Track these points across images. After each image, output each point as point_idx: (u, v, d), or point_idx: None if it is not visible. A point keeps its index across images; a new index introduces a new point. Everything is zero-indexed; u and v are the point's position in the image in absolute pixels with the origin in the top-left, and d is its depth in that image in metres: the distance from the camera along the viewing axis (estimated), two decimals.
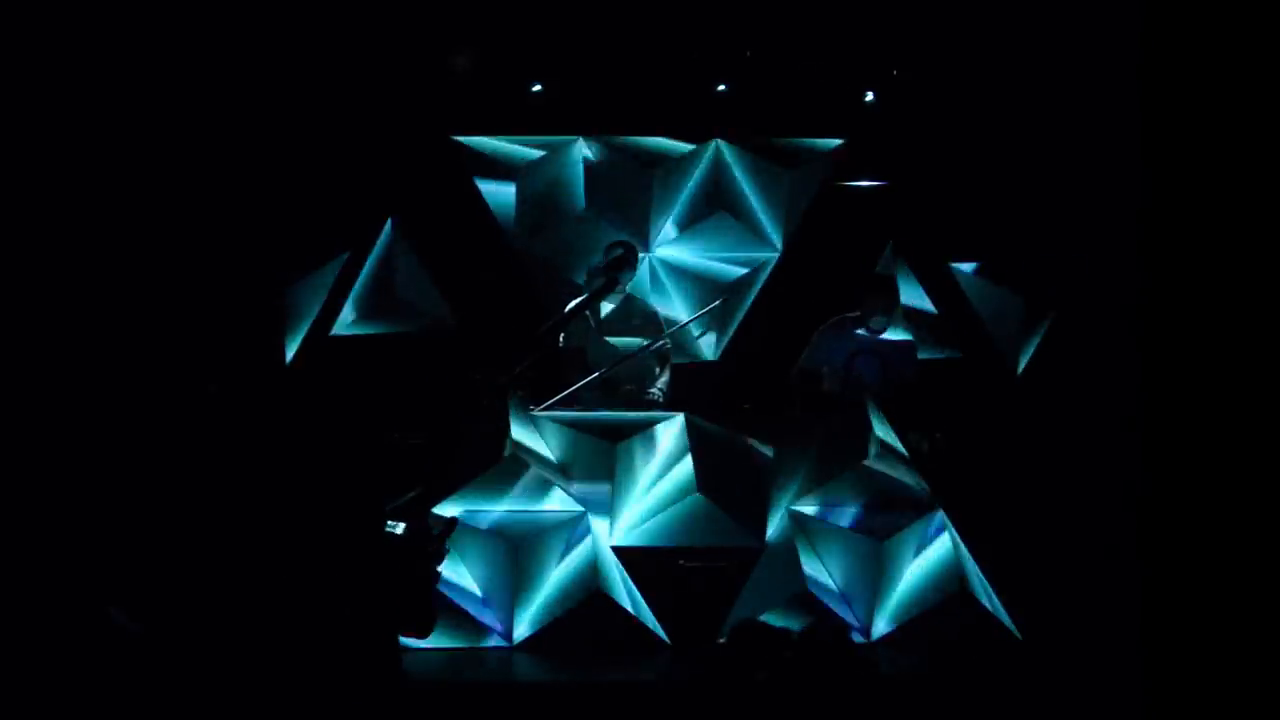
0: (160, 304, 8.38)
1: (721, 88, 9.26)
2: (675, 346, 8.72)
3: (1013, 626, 7.43)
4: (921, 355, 8.85)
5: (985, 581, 7.53)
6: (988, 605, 7.47)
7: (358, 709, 6.22)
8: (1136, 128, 8.00)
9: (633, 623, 7.35)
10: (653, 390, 8.19)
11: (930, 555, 7.60)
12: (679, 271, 9.30)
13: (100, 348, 8.08)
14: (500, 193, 9.22)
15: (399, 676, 6.03)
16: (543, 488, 7.51)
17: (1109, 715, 6.28)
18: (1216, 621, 7.00)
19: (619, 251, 8.40)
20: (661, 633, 7.38)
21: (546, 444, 7.69)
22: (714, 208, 9.23)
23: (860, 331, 8.36)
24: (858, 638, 7.37)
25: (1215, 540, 7.36)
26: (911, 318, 9.23)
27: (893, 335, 8.46)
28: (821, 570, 7.61)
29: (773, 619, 7.09)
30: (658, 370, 8.31)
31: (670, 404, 8.05)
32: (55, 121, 8.01)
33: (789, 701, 6.41)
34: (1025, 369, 9.13)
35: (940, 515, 7.59)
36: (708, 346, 9.15)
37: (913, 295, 9.32)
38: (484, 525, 7.42)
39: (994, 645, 7.36)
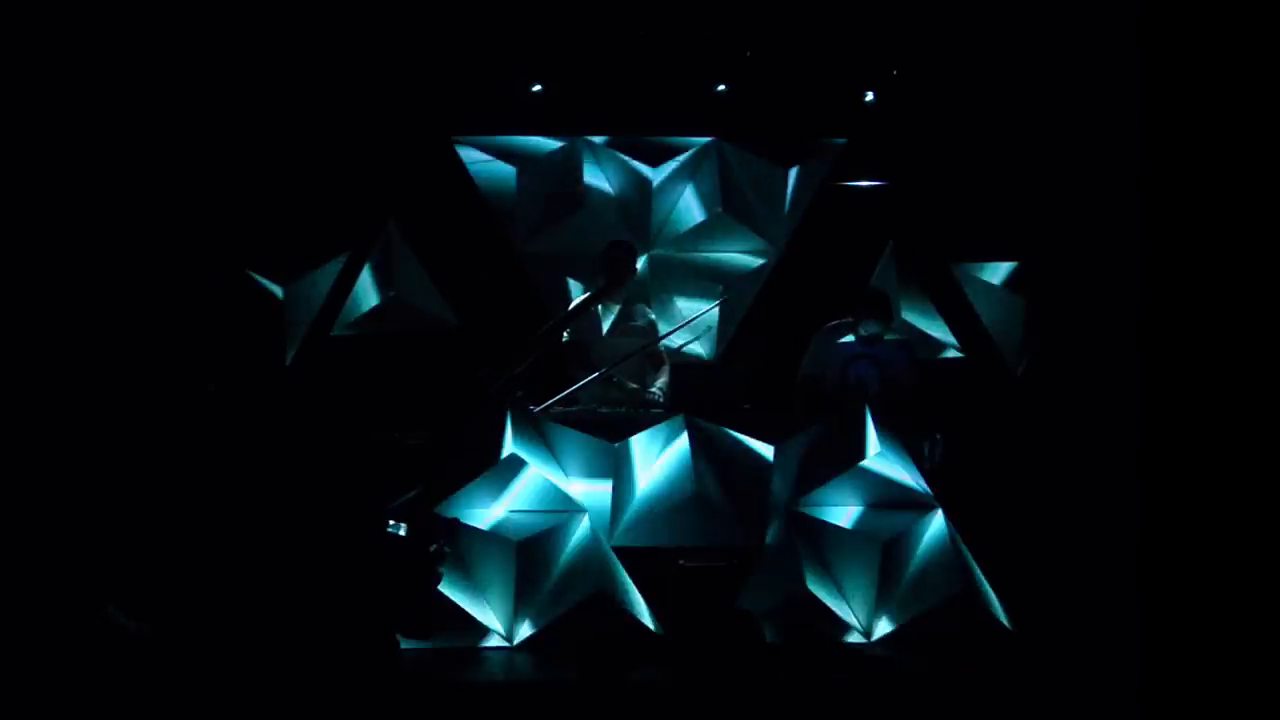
0: (160, 303, 8.38)
1: (722, 87, 9.26)
2: (673, 347, 8.75)
3: (1009, 624, 7.44)
4: (921, 356, 8.84)
5: (985, 581, 7.54)
6: (988, 605, 7.48)
7: (356, 708, 6.22)
8: (1137, 127, 8.00)
9: (633, 622, 7.35)
10: (653, 390, 8.19)
11: (930, 555, 7.60)
12: (679, 271, 9.30)
13: (100, 347, 8.09)
14: (500, 192, 9.22)
15: (397, 676, 6.02)
16: (543, 487, 7.51)
17: (1108, 714, 6.29)
18: (1215, 620, 7.01)
19: (618, 252, 8.41)
20: (661, 632, 7.39)
21: (546, 443, 7.69)
22: (714, 207, 9.23)
23: (853, 338, 8.38)
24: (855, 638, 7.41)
25: (1214, 539, 7.36)
26: (912, 319, 9.26)
27: (889, 341, 8.45)
28: (821, 570, 7.62)
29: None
30: (657, 370, 8.31)
31: (670, 404, 8.05)
32: (56, 121, 8.01)
33: (785, 701, 6.41)
34: (1026, 369, 9.13)
35: (940, 515, 7.60)
36: (703, 346, 9.15)
37: (913, 296, 9.33)
38: (484, 525, 7.42)
39: (994, 645, 7.36)
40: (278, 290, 8.71)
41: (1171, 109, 7.88)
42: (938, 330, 9.34)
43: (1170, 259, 7.97)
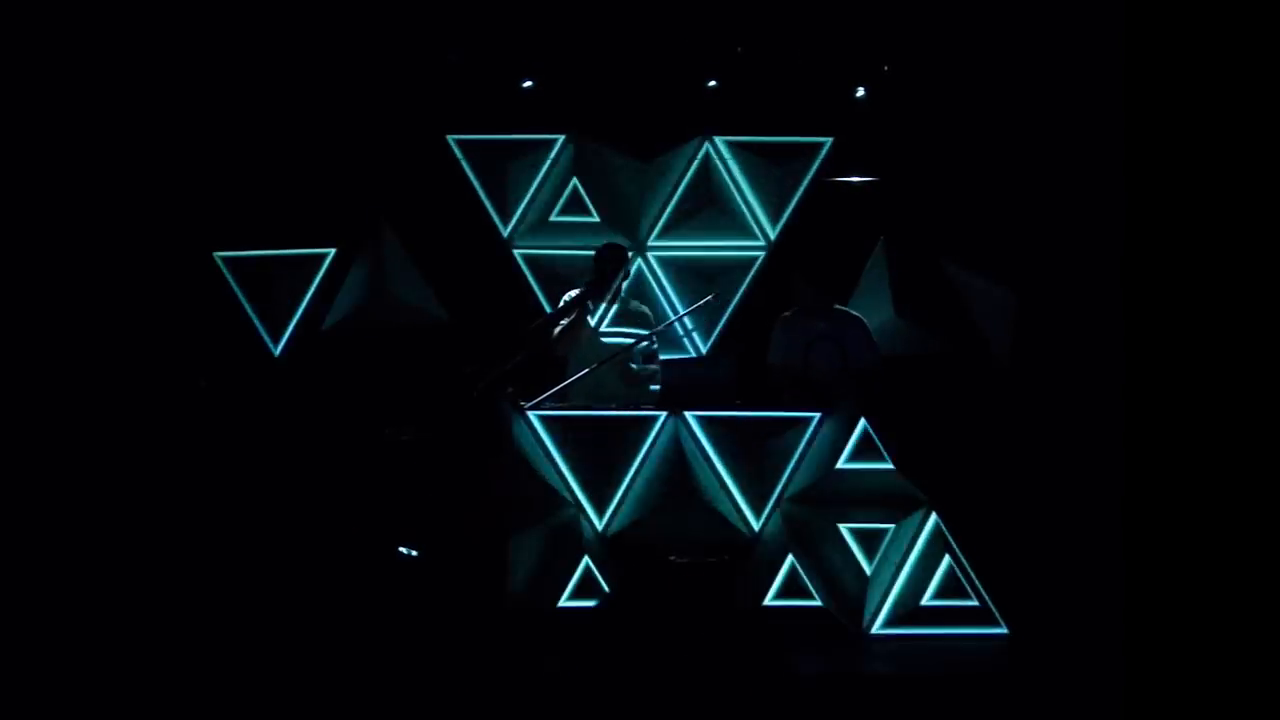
0: (151, 299, 8.39)
1: (713, 83, 9.26)
2: (665, 342, 8.75)
3: (1001, 622, 7.47)
4: (907, 349, 8.87)
5: (975, 578, 7.56)
6: (977, 602, 7.51)
7: (353, 707, 6.23)
8: (1122, 123, 8.01)
9: (621, 618, 7.39)
10: (648, 367, 8.22)
11: (920, 552, 7.62)
12: (670, 267, 9.31)
13: (92, 342, 8.09)
14: (492, 189, 9.22)
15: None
16: (534, 483, 7.54)
17: (1093, 710, 6.32)
18: (1199, 616, 7.03)
19: (608, 253, 8.40)
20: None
21: (538, 439, 7.71)
22: (705, 203, 9.24)
23: (813, 320, 8.36)
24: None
25: (1198, 535, 7.39)
26: (901, 313, 9.27)
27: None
28: (812, 565, 7.64)
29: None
30: (645, 361, 8.35)
31: (661, 399, 8.06)
32: (51, 117, 8.01)
33: (778, 700, 6.43)
34: (1013, 364, 9.13)
35: (930, 511, 7.62)
36: (696, 341, 9.18)
37: (903, 291, 9.33)
38: (479, 519, 7.46)
39: (984, 642, 7.39)
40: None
41: (1156, 105, 7.89)
42: (928, 324, 9.35)
43: (1156, 253, 7.98)
